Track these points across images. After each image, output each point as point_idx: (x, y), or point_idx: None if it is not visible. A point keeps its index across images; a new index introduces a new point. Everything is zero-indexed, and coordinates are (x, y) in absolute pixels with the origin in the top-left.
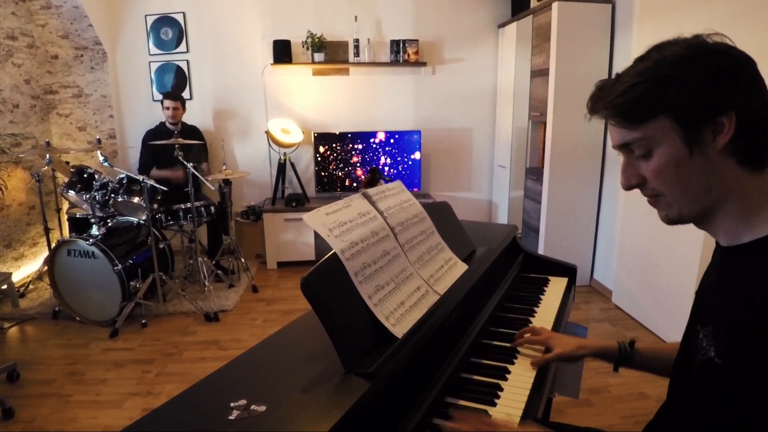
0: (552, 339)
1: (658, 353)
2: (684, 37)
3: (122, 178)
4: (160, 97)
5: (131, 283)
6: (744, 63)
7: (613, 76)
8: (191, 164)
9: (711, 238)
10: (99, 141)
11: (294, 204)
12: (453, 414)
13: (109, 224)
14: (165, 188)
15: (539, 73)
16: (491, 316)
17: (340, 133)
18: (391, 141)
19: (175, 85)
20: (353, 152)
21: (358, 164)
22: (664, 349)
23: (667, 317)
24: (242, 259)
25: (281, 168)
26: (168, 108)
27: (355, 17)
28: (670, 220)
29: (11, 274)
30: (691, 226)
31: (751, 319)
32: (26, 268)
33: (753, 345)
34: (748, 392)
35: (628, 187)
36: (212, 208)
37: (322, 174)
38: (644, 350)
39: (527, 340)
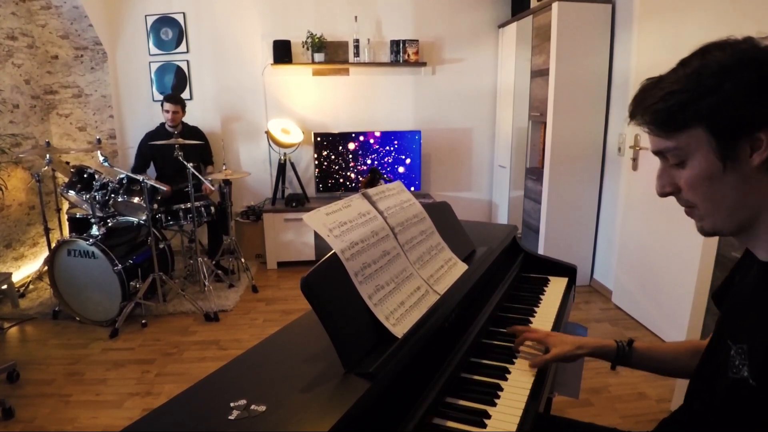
0: (550, 338)
1: (656, 353)
2: (734, 39)
3: (122, 178)
4: (161, 97)
5: (131, 283)
6: None
7: (656, 78)
8: (191, 164)
9: (712, 239)
10: (99, 141)
11: (294, 204)
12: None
13: (109, 224)
14: (164, 188)
15: (539, 73)
16: (491, 316)
17: (340, 133)
18: (392, 141)
19: (175, 85)
20: (353, 152)
21: (358, 164)
22: (662, 348)
23: (667, 317)
24: (242, 259)
25: (281, 168)
26: (168, 111)
27: (355, 17)
28: (705, 233)
29: (11, 274)
30: (691, 227)
31: None
32: (26, 268)
33: None
34: None
35: (662, 194)
36: (212, 208)
37: (322, 174)
38: (642, 349)
39: (526, 336)
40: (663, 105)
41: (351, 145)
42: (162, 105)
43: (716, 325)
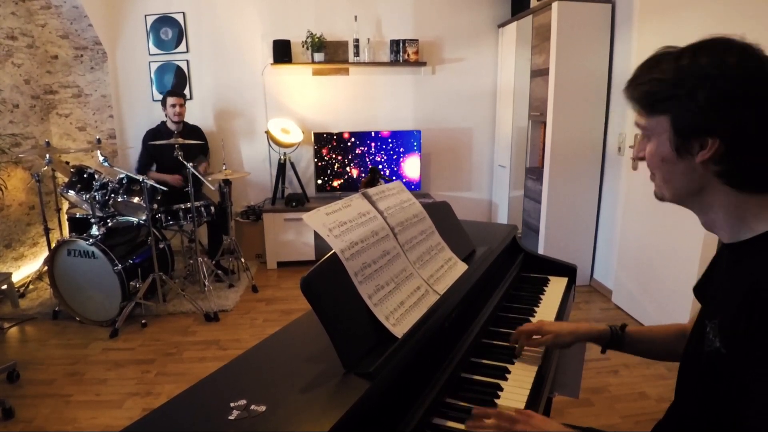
0: (545, 325)
1: (646, 336)
2: (737, 42)
3: (122, 178)
4: (160, 96)
5: (131, 283)
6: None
7: (660, 55)
8: (191, 164)
9: (711, 238)
10: (99, 141)
11: (294, 204)
12: (473, 412)
13: (109, 224)
14: (165, 188)
15: (539, 73)
16: (491, 315)
17: (340, 133)
18: (391, 141)
19: (175, 84)
20: (353, 152)
21: (358, 164)
22: (651, 332)
23: (667, 317)
24: (242, 259)
25: (281, 168)
26: (174, 105)
27: (355, 17)
28: (656, 197)
29: (11, 274)
30: (691, 227)
31: (753, 309)
32: (26, 268)
33: (754, 333)
34: (749, 378)
35: (636, 158)
36: (212, 208)
37: (322, 174)
38: (633, 333)
39: (520, 330)
40: (647, 88)
41: (351, 145)
42: (165, 101)
43: (698, 313)
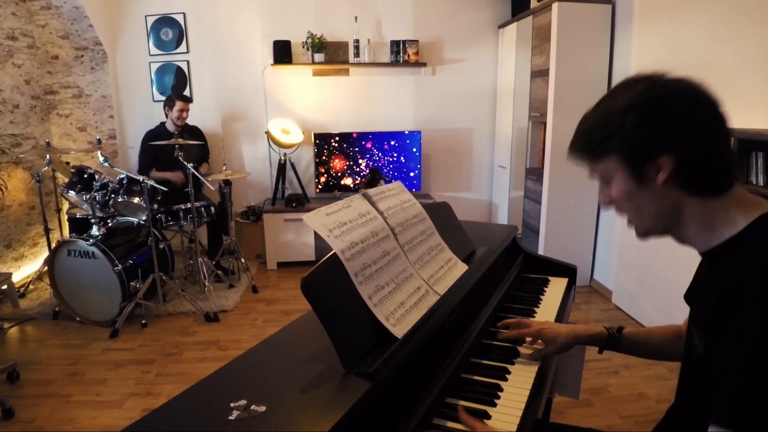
0: (544, 332)
1: (643, 337)
2: (642, 76)
3: (122, 179)
4: (161, 97)
5: (131, 283)
6: (692, 107)
7: (582, 116)
8: (191, 165)
9: None
10: (99, 141)
11: (294, 204)
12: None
13: (109, 224)
14: (165, 188)
15: (539, 74)
16: (491, 316)
17: (340, 134)
18: (391, 141)
19: (175, 85)
20: (353, 153)
21: (358, 164)
22: (648, 333)
23: (667, 317)
24: (242, 260)
25: (281, 168)
26: (182, 110)
27: (355, 17)
28: (638, 235)
29: (11, 274)
30: None
31: (725, 309)
32: (26, 268)
33: (727, 333)
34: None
35: (604, 207)
36: (212, 209)
37: (322, 174)
38: (631, 335)
39: (516, 333)
40: (584, 141)
41: (351, 146)
42: (171, 104)
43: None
